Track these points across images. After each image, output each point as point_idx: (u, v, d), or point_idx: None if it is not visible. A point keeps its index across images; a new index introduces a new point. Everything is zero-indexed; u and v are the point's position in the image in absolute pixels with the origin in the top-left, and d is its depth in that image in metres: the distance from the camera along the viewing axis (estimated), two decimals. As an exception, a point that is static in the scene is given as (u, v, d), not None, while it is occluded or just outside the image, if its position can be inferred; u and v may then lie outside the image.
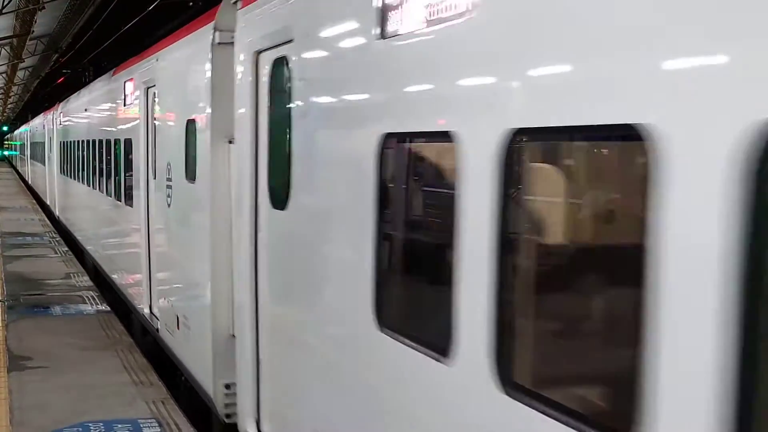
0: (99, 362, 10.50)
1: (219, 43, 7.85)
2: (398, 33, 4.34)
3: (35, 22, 27.99)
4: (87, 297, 14.77)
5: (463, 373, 3.79)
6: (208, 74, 8.04)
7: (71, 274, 17.18)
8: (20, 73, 50.52)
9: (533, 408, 3.30)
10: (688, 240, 2.59)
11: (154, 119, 10.99)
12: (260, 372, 6.69)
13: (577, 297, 3.49)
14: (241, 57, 6.92)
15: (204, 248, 8.17)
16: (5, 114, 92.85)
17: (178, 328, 9.37)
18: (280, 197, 6.15)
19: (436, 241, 4.35)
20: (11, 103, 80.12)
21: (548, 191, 3.62)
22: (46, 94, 54.78)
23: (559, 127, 3.24)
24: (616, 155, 3.43)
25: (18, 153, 77.97)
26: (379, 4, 4.51)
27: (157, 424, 8.28)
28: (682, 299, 2.61)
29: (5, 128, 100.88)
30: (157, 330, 10.56)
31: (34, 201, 37.77)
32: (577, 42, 3.15)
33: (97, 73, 23.29)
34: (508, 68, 3.52)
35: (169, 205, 9.84)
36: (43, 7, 24.74)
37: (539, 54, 3.35)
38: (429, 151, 4.56)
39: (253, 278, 6.75)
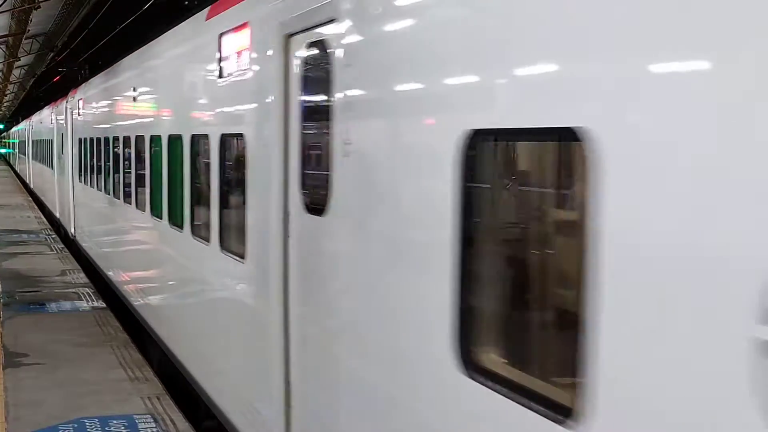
0: (94, 358, 10.55)
1: (66, 108, 22.24)
2: (81, 113, 19.93)
3: (31, 20, 28.04)
4: (82, 294, 14.81)
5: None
6: (65, 117, 22.49)
7: (67, 271, 17.23)
8: (16, 72, 50.52)
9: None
10: None
11: (60, 130, 25.38)
12: (75, 217, 20.65)
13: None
14: (69, 112, 21.96)
15: (67, 181, 22.05)
16: (1, 111, 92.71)
17: (62, 211, 23.64)
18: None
19: None
20: (7, 102, 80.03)
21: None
22: (41, 93, 54.76)
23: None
24: None
25: (12, 151, 78.04)
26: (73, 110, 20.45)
27: (152, 420, 8.33)
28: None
29: (1, 126, 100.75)
30: (58, 214, 25.18)
31: (30, 198, 37.78)
32: None
33: (92, 72, 24.48)
34: None
35: (60, 165, 24.70)
36: (39, 6, 24.78)
37: None
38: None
39: (74, 180, 20.75)
